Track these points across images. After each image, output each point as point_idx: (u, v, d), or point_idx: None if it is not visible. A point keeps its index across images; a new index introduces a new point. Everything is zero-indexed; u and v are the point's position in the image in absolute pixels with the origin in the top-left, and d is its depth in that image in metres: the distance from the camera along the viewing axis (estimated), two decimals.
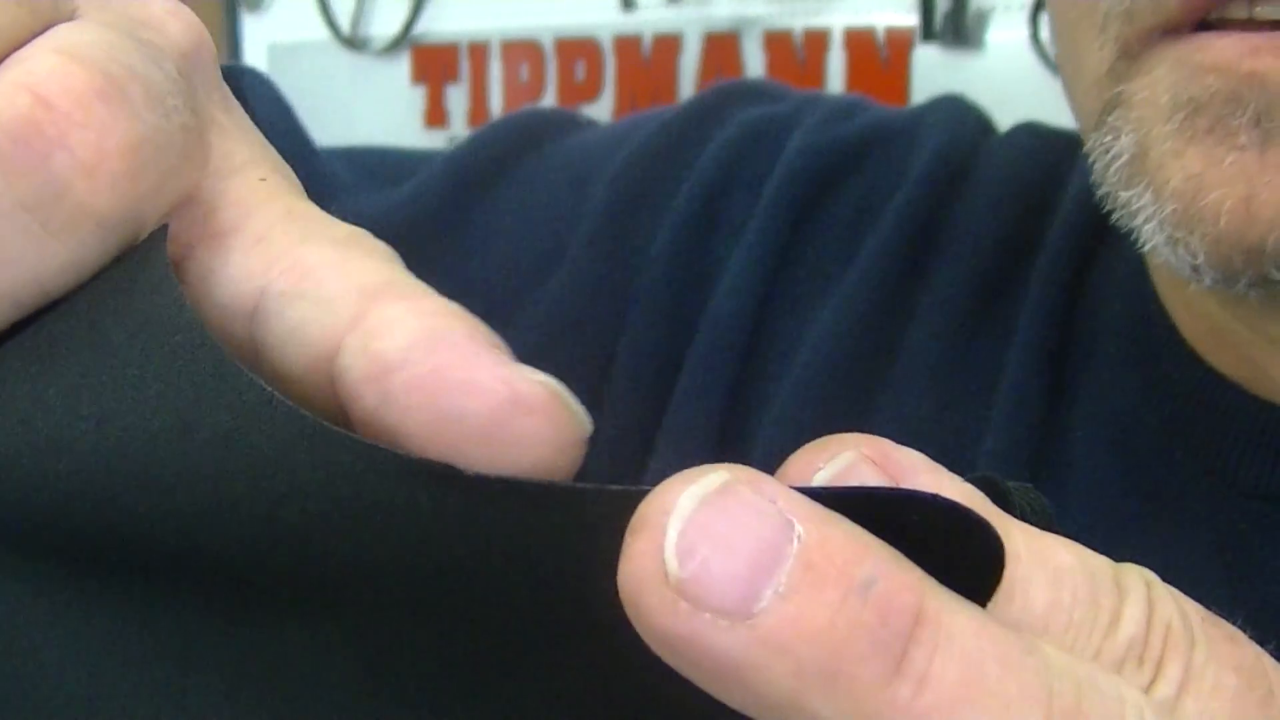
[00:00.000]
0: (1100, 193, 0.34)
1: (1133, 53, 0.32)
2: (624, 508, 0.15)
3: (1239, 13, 0.30)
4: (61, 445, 0.16)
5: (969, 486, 0.16)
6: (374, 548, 0.16)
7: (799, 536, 0.14)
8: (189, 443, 0.16)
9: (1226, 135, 0.30)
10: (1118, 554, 0.17)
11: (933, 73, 0.99)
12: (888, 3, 1.02)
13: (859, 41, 1.03)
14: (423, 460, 0.15)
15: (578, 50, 1.20)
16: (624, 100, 1.17)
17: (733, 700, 0.14)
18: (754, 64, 1.09)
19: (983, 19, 0.99)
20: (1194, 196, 0.31)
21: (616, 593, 0.15)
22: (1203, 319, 0.38)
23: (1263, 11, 0.30)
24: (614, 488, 0.15)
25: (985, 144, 0.48)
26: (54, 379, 0.16)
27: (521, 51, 1.24)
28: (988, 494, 0.16)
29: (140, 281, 0.16)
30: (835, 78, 1.04)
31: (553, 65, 1.22)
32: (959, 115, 0.49)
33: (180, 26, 0.18)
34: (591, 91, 1.20)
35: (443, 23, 1.29)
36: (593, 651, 0.16)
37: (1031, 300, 0.42)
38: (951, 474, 0.16)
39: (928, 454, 0.17)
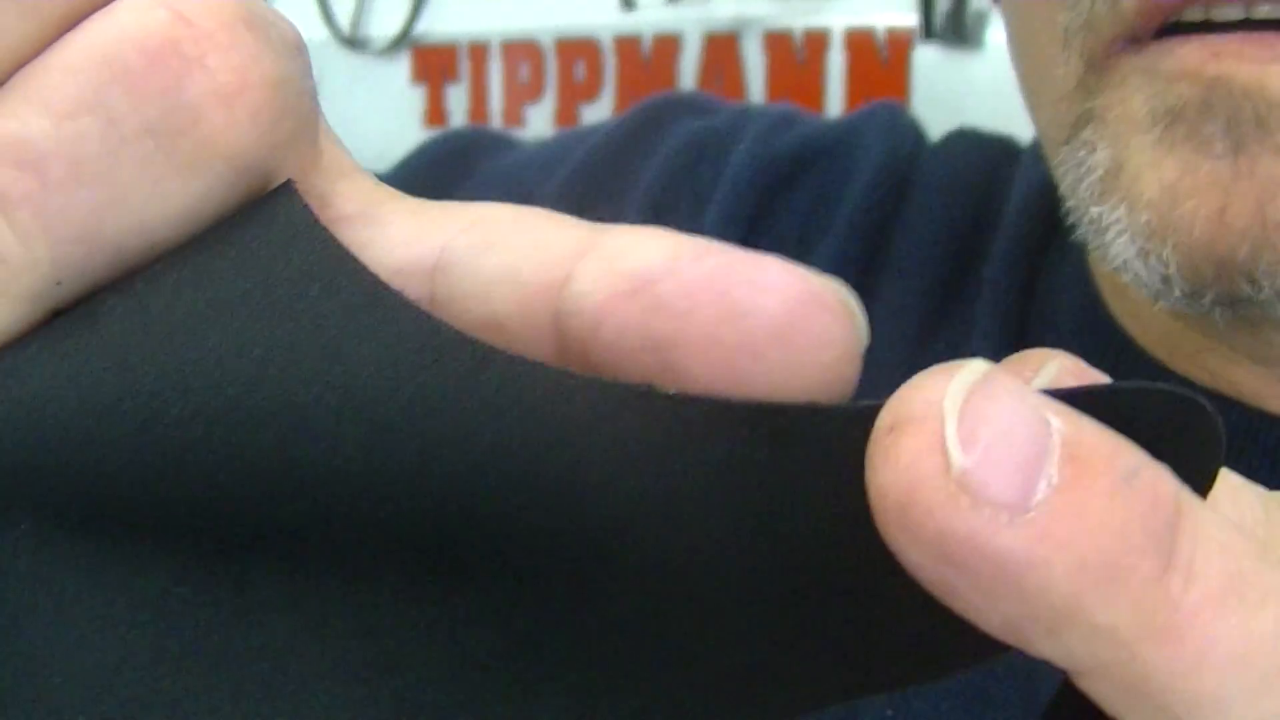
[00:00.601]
0: (1068, 206, 0.34)
1: (1098, 65, 0.32)
2: (839, 424, 0.14)
3: (1194, 15, 0.30)
4: (205, 390, 0.15)
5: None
6: (571, 481, 0.15)
7: (1057, 430, 0.13)
8: (362, 380, 0.15)
9: (1202, 144, 0.30)
10: None
11: (933, 73, 0.99)
12: (888, 3, 1.02)
13: (859, 41, 1.03)
14: (625, 384, 0.15)
15: (578, 50, 1.20)
16: (624, 100, 1.17)
17: (996, 613, 0.13)
18: (754, 64, 1.09)
19: (983, 19, 0.99)
20: (1169, 207, 0.31)
21: (831, 513, 0.14)
22: (1153, 325, 0.38)
23: (1219, 12, 0.30)
24: (827, 404, 0.15)
25: (923, 152, 0.48)
26: (197, 322, 0.15)
27: (521, 51, 1.24)
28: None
29: (283, 220, 0.15)
30: (835, 78, 1.04)
31: (553, 65, 1.22)
32: (895, 123, 0.49)
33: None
34: (591, 91, 1.20)
35: (443, 23, 1.29)
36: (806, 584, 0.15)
37: (984, 305, 0.42)
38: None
39: None
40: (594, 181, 0.48)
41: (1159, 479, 0.14)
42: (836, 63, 1.05)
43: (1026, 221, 0.42)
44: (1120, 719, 0.14)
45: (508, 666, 0.16)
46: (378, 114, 1.32)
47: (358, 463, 0.15)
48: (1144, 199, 0.31)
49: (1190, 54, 0.29)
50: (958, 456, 0.13)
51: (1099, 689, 0.14)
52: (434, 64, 1.31)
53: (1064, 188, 0.34)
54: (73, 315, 0.15)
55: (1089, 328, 0.39)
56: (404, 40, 1.31)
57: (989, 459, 0.13)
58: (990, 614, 0.13)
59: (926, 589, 0.14)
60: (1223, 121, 0.29)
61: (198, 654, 0.16)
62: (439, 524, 0.15)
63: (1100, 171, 0.32)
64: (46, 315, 0.15)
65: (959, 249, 0.43)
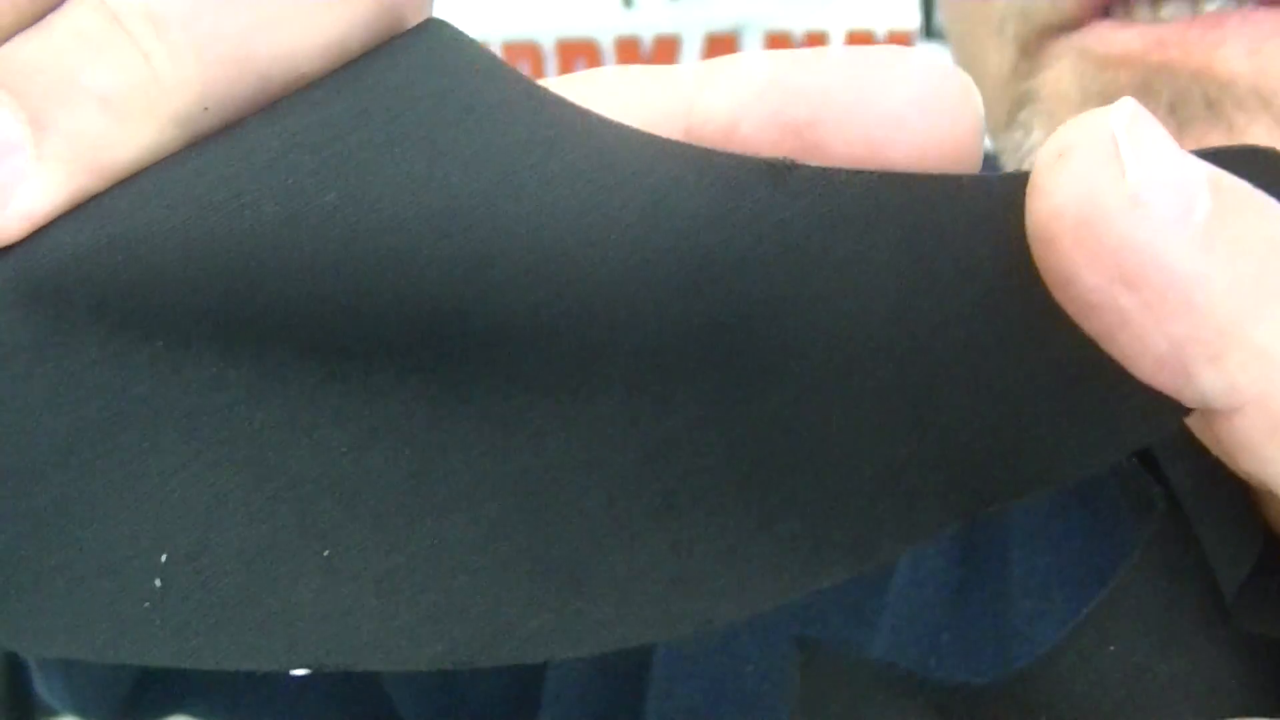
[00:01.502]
0: None
1: (1032, 51, 0.32)
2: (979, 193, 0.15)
3: (1141, 15, 0.29)
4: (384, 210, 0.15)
5: None
6: (735, 269, 0.15)
7: (1198, 163, 0.14)
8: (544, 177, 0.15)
9: None
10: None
11: None
12: (888, 3, 1.02)
13: (859, 42, 1.03)
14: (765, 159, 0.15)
15: (578, 51, 1.20)
16: None
17: (1163, 337, 0.14)
18: None
19: None
20: None
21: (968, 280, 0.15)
22: None
23: (1168, 12, 0.29)
24: (973, 174, 0.15)
25: None
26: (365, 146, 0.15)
27: (521, 52, 1.24)
28: None
29: (441, 41, 0.16)
30: None
31: (553, 65, 1.22)
32: None
33: None
34: None
35: None
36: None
37: None
38: None
39: None
40: None
41: None
42: None
43: None
44: (1267, 467, 0.15)
45: (649, 476, 0.16)
46: None
47: (535, 273, 0.15)
48: None
49: (1132, 40, 0.29)
50: (1132, 168, 0.14)
51: (1252, 429, 0.14)
52: None
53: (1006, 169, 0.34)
54: (219, 137, 0.15)
55: None
56: None
57: (1157, 175, 0.14)
58: (1157, 339, 0.14)
59: (1090, 328, 0.14)
60: (1166, 103, 0.28)
61: (335, 481, 0.16)
62: (591, 327, 0.15)
63: (1038, 151, 0.32)
64: (190, 142, 0.15)
65: None
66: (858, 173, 0.15)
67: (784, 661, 0.34)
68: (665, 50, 1.14)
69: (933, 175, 0.15)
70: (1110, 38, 0.29)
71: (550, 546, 0.16)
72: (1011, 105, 0.33)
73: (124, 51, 0.15)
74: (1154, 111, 0.30)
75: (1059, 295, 0.15)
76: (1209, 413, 0.15)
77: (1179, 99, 0.29)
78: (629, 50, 1.17)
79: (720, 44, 1.11)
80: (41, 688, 0.43)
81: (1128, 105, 0.15)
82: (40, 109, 0.15)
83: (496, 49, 1.28)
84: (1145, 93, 0.29)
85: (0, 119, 0.15)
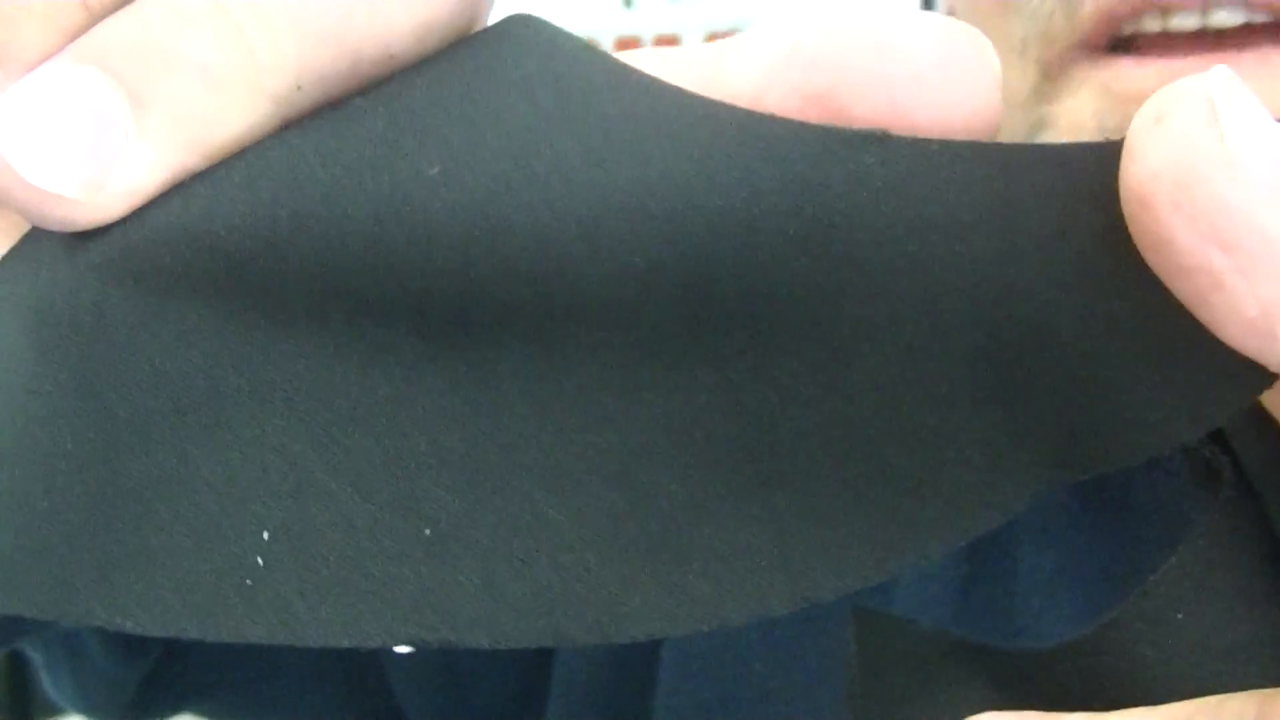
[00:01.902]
0: None
1: (1053, 73, 0.32)
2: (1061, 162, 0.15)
3: (1153, 26, 0.30)
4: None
5: None
6: (823, 243, 0.15)
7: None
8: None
9: None
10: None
11: None
12: (887, 3, 1.02)
13: None
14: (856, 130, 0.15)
15: None
16: None
17: (1255, 299, 0.14)
18: None
19: None
20: None
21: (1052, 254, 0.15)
22: None
23: (1178, 23, 0.29)
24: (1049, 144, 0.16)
25: None
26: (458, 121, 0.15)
27: None
28: None
29: (534, 32, 0.16)
30: None
31: None
32: None
33: None
34: None
35: None
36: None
37: None
38: None
39: None
40: None
41: None
42: None
43: None
44: None
45: (747, 450, 0.16)
46: None
47: (637, 241, 0.15)
48: None
49: (1147, 78, 0.30)
50: (1231, 132, 0.14)
51: None
52: None
53: None
54: (321, 116, 0.15)
55: None
56: None
57: (1255, 140, 0.14)
58: (1248, 302, 0.14)
59: (1183, 291, 0.15)
60: None
61: (437, 459, 0.16)
62: (692, 295, 0.15)
63: None
64: (281, 126, 0.16)
65: None
66: (949, 143, 0.15)
67: (791, 659, 0.34)
68: None
69: (1022, 145, 0.16)
70: (1128, 75, 0.30)
71: (650, 523, 0.16)
72: (1030, 127, 0.33)
73: (222, 28, 0.15)
74: None
75: (1153, 259, 0.15)
76: None
77: None
78: (629, 50, 1.17)
79: None
80: (49, 687, 0.43)
81: (1222, 72, 0.15)
82: (139, 85, 0.15)
83: None
84: None
85: (98, 95, 0.15)
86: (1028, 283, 0.15)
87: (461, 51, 0.16)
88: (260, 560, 0.15)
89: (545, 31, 0.16)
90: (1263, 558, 0.19)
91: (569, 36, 0.16)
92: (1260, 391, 0.15)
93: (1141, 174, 0.14)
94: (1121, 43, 0.31)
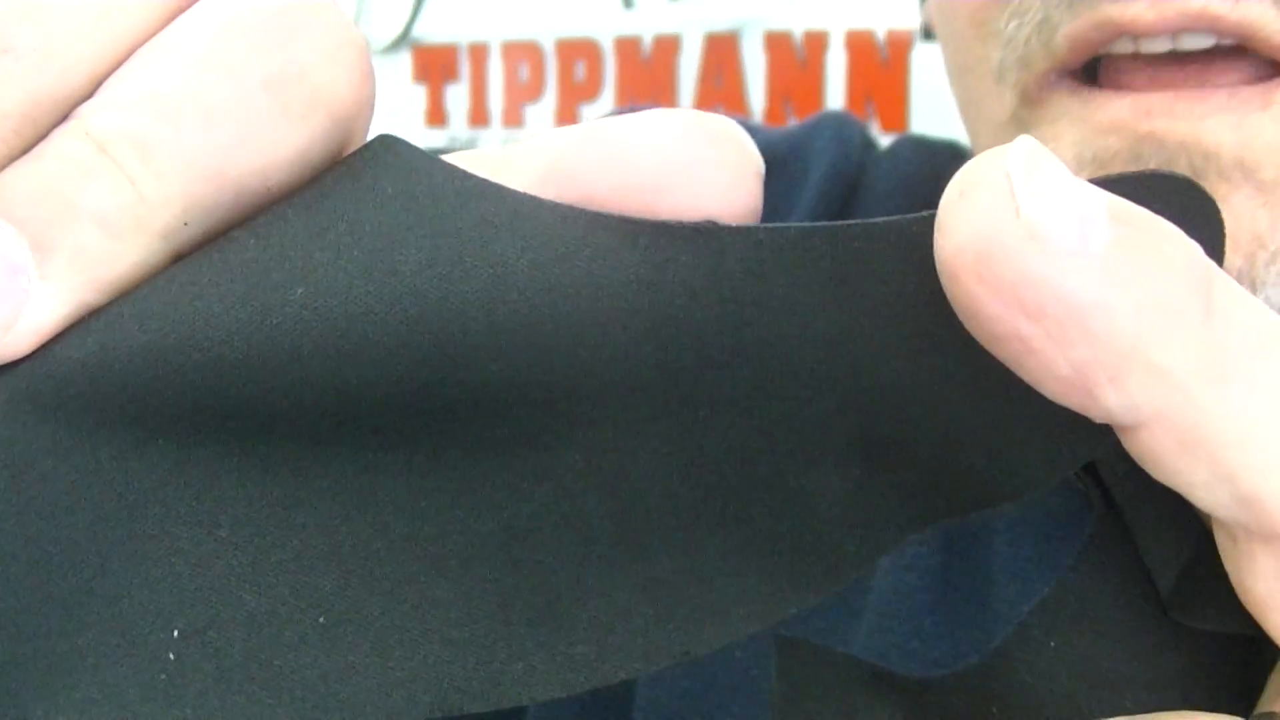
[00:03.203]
0: None
1: (1032, 99, 0.33)
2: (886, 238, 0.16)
3: (1124, 48, 0.30)
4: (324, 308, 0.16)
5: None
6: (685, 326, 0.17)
7: (1100, 194, 0.15)
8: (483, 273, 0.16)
9: None
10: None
11: (933, 73, 0.99)
12: (888, 3, 1.02)
13: (859, 42, 1.03)
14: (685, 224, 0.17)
15: (578, 50, 1.20)
16: (624, 100, 1.17)
17: (1066, 362, 0.15)
18: (754, 64, 1.09)
19: None
20: None
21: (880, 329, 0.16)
22: None
23: (1147, 45, 0.30)
24: (878, 221, 0.17)
25: (871, 157, 0.49)
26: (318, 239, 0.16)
27: (521, 52, 1.24)
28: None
29: (394, 155, 0.17)
30: (835, 78, 1.04)
31: (553, 65, 1.22)
32: (842, 132, 0.50)
33: None
34: (591, 91, 1.20)
35: (443, 23, 1.29)
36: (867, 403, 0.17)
37: None
38: None
39: None
40: None
41: (1188, 241, 0.15)
42: (837, 63, 1.05)
43: None
44: (1176, 479, 0.15)
45: (618, 520, 0.17)
46: (378, 114, 1.32)
47: (496, 344, 0.16)
48: None
49: (1123, 109, 0.30)
50: (1027, 204, 0.15)
51: (1157, 444, 0.15)
52: (434, 64, 1.31)
53: None
54: (204, 251, 0.17)
55: None
56: (404, 40, 1.31)
57: (1052, 211, 0.15)
58: (1059, 364, 0.15)
59: (997, 353, 0.15)
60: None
61: (330, 552, 0.17)
62: (551, 388, 0.17)
63: None
64: (171, 258, 0.17)
65: None
66: (776, 228, 0.17)
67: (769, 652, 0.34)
68: (665, 50, 1.14)
69: (844, 224, 0.17)
70: (1106, 107, 0.31)
71: (533, 595, 0.17)
72: None
73: (113, 176, 0.16)
74: None
75: (968, 326, 0.15)
76: (1117, 429, 0.15)
77: (1165, 165, 0.30)
78: (629, 50, 1.17)
79: (720, 44, 1.11)
80: None
81: (1024, 143, 0.15)
82: (41, 233, 0.16)
83: (496, 48, 1.28)
84: (1136, 160, 0.30)
85: (5, 245, 0.16)
86: (871, 350, 0.16)
87: (328, 177, 0.17)
88: (172, 656, 0.16)
89: (404, 153, 0.17)
90: (1136, 586, 0.19)
91: (424, 155, 0.17)
92: (1102, 446, 0.16)
93: (948, 248, 0.15)
94: (1098, 67, 0.31)
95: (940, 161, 0.47)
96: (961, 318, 0.15)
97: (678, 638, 0.17)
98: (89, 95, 0.17)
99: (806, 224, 0.16)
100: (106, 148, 0.16)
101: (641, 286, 0.16)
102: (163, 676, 0.16)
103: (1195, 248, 0.15)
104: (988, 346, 0.15)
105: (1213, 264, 0.15)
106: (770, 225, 0.16)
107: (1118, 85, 0.31)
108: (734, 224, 0.17)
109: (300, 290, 0.16)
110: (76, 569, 0.16)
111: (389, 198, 0.17)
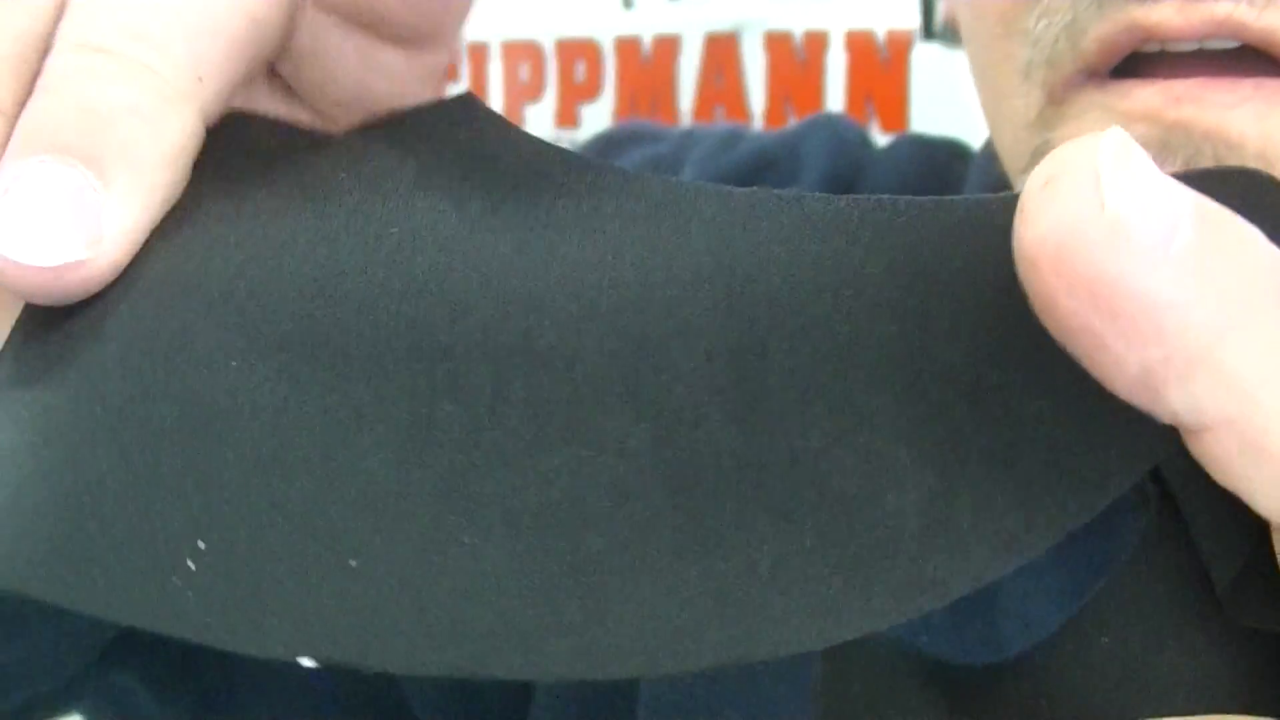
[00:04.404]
0: None
1: (1058, 99, 0.33)
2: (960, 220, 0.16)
3: (1151, 48, 0.31)
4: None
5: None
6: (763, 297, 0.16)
7: (1186, 192, 0.15)
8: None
9: None
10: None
11: (933, 73, 0.99)
12: (888, 3, 1.02)
13: (859, 42, 1.03)
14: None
15: (578, 51, 1.20)
16: (624, 100, 1.17)
17: (1135, 360, 0.15)
18: (754, 64, 1.09)
19: None
20: None
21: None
22: None
23: (1174, 47, 0.30)
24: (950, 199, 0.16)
25: (868, 156, 0.49)
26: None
27: (521, 52, 1.24)
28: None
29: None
30: (835, 78, 1.04)
31: (553, 65, 1.22)
32: (838, 132, 0.50)
33: None
34: (591, 91, 1.20)
35: None
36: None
37: None
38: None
39: None
40: None
41: (1268, 246, 0.15)
42: (836, 63, 1.05)
43: None
44: (1238, 484, 0.15)
45: (677, 506, 0.16)
46: None
47: (560, 317, 0.17)
48: None
49: (1152, 97, 0.30)
50: (1113, 199, 0.14)
51: (1221, 448, 0.15)
52: None
53: None
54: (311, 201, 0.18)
55: None
56: None
57: (1138, 205, 0.14)
58: (1129, 362, 0.15)
59: (1069, 345, 0.15)
60: (1182, 160, 0.30)
61: (372, 498, 0.17)
62: (616, 361, 0.17)
63: None
64: (203, 115, 0.18)
65: None
66: (856, 198, 0.16)
67: (762, 682, 0.34)
68: (665, 50, 1.14)
69: (929, 200, 0.16)
70: (1133, 94, 0.31)
71: (577, 572, 0.16)
72: (1035, 151, 0.34)
73: (124, 67, 0.17)
74: (1170, 169, 0.31)
75: (1041, 316, 0.15)
76: (1182, 430, 0.15)
77: (1192, 157, 0.30)
78: (629, 50, 1.17)
79: (720, 44, 1.11)
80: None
81: (1115, 135, 0.15)
82: (87, 149, 0.17)
83: (496, 48, 1.28)
84: (1163, 148, 0.30)
85: (60, 174, 0.17)
86: (940, 333, 0.16)
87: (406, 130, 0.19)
88: (191, 565, 0.16)
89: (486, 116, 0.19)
90: (1191, 584, 0.19)
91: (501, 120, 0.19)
92: (1170, 446, 0.15)
93: (1028, 237, 0.15)
94: (1124, 67, 0.31)
95: (940, 160, 0.47)
96: (1035, 307, 0.15)
97: (734, 640, 0.15)
98: (56, 24, 0.18)
99: (885, 196, 0.16)
100: (105, 47, 0.17)
101: (718, 262, 0.16)
102: (175, 581, 0.16)
103: (1274, 253, 0.15)
104: (1059, 338, 0.15)
105: None
106: (853, 196, 0.16)
107: (1143, 75, 0.31)
108: (816, 193, 0.17)
109: (422, 260, 0.17)
110: (128, 456, 0.16)
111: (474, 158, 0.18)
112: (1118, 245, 0.14)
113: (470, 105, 0.19)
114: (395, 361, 0.17)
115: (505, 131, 0.19)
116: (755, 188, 0.17)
